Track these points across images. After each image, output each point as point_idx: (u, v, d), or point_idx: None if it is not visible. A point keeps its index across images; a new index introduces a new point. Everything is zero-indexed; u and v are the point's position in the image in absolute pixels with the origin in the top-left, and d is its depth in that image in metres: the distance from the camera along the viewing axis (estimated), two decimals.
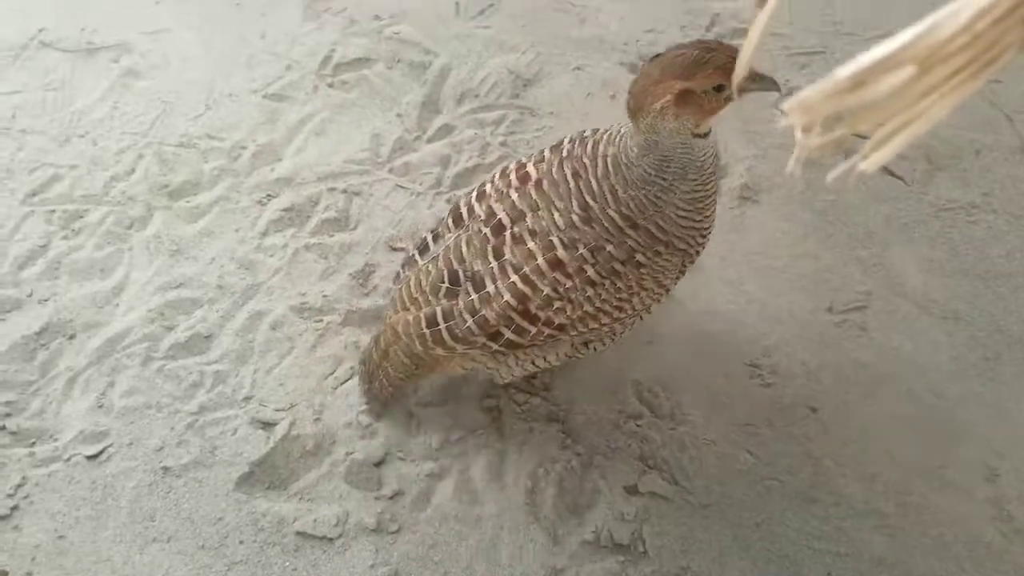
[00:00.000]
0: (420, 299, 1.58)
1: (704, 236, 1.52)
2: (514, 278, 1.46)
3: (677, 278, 1.56)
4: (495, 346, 1.53)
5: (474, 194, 1.58)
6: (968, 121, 2.51)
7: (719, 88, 1.31)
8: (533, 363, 1.65)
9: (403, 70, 2.45)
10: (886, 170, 2.42)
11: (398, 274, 1.73)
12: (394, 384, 1.74)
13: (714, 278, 2.12)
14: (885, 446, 1.86)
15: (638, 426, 1.86)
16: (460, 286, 1.52)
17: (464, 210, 1.57)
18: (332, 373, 1.88)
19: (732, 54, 1.29)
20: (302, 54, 2.44)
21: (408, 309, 1.60)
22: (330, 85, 2.39)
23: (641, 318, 1.63)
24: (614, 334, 1.65)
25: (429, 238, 1.64)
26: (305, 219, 2.12)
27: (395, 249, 2.07)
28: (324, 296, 1.99)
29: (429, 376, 1.78)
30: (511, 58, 2.51)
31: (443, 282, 1.53)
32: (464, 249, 1.52)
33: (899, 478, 1.81)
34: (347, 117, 2.32)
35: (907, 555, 1.72)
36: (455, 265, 1.52)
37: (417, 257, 1.64)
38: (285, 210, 2.12)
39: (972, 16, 0.75)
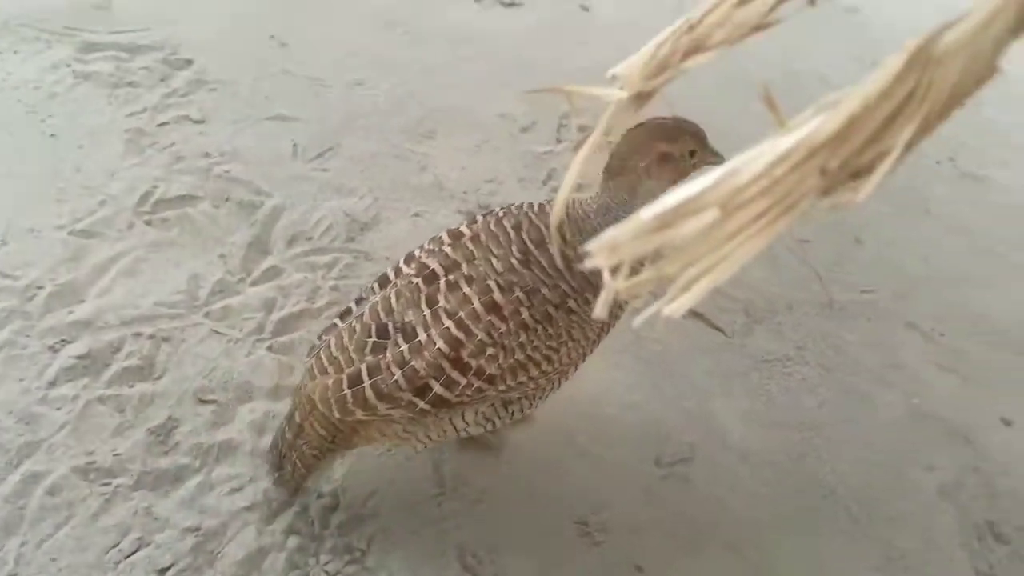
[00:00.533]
0: (342, 358, 1.56)
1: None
2: (448, 324, 1.49)
3: (597, 339, 1.65)
4: (421, 403, 1.52)
5: (401, 260, 1.64)
6: (781, 277, 2.76)
7: (692, 153, 1.52)
8: (454, 426, 1.63)
9: (231, 209, 2.41)
10: (706, 321, 2.60)
11: (313, 346, 1.68)
12: (307, 465, 1.66)
13: (547, 429, 2.13)
14: None
15: None
16: (389, 338, 1.53)
17: (391, 272, 1.62)
18: (116, 545, 1.69)
19: (700, 129, 1.54)
20: (120, 189, 2.35)
21: (327, 372, 1.57)
22: (148, 223, 2.29)
23: (562, 380, 1.69)
24: (537, 393, 1.67)
25: (352, 304, 1.66)
26: (102, 367, 1.96)
27: (204, 402, 1.95)
28: (115, 455, 1.81)
29: (344, 452, 1.70)
30: (348, 202, 2.54)
31: (370, 336, 1.54)
32: (393, 301, 1.56)
33: None
34: (163, 256, 2.23)
35: None
36: (383, 318, 1.55)
37: (338, 322, 1.64)
38: (80, 357, 1.96)
39: (770, 162, 0.81)
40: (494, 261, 1.53)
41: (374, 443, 1.72)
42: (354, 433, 1.63)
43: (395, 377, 1.50)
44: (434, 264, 1.57)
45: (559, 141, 3.03)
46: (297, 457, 1.67)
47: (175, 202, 2.37)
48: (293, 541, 1.75)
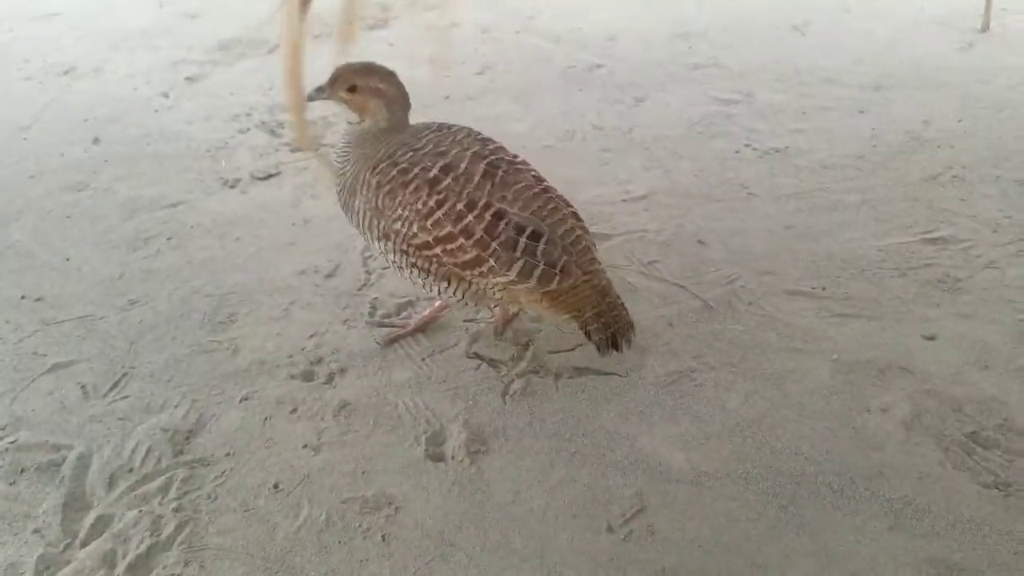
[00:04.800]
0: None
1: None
2: None
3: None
4: None
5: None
6: (647, 303, 2.96)
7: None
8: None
9: (30, 479, 2.30)
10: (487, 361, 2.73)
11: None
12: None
13: (477, 550, 2.10)
14: None
15: None
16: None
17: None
18: None
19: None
20: None
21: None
22: None
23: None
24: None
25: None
26: None
27: None
28: None
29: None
30: (162, 417, 2.50)
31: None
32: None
33: None
34: None
35: None
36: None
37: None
38: None
39: None
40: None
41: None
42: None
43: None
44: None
45: (368, 273, 3.17)
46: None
47: None
48: None
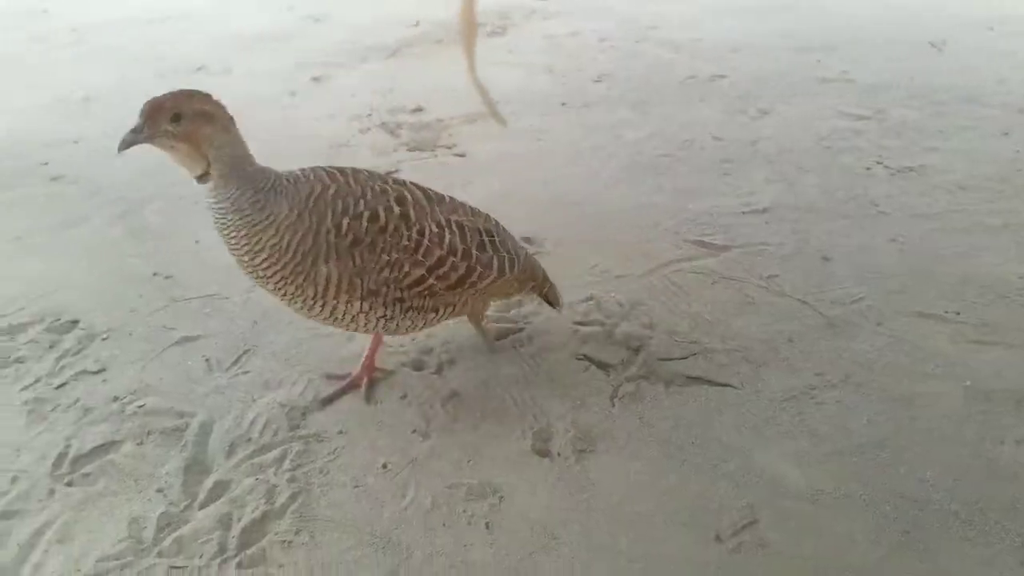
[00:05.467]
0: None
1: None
2: None
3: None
4: None
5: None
6: (765, 316, 2.94)
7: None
8: None
9: (156, 441, 2.47)
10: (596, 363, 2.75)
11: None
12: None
13: (581, 548, 2.14)
14: None
15: None
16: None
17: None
18: None
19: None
20: (30, 461, 2.39)
21: None
22: (69, 483, 2.33)
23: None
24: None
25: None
26: None
27: None
28: None
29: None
30: (280, 393, 2.64)
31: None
32: None
33: None
34: (95, 511, 2.24)
35: None
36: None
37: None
38: None
39: None
40: None
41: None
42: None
43: None
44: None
45: None
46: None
47: (93, 454, 2.42)
48: None
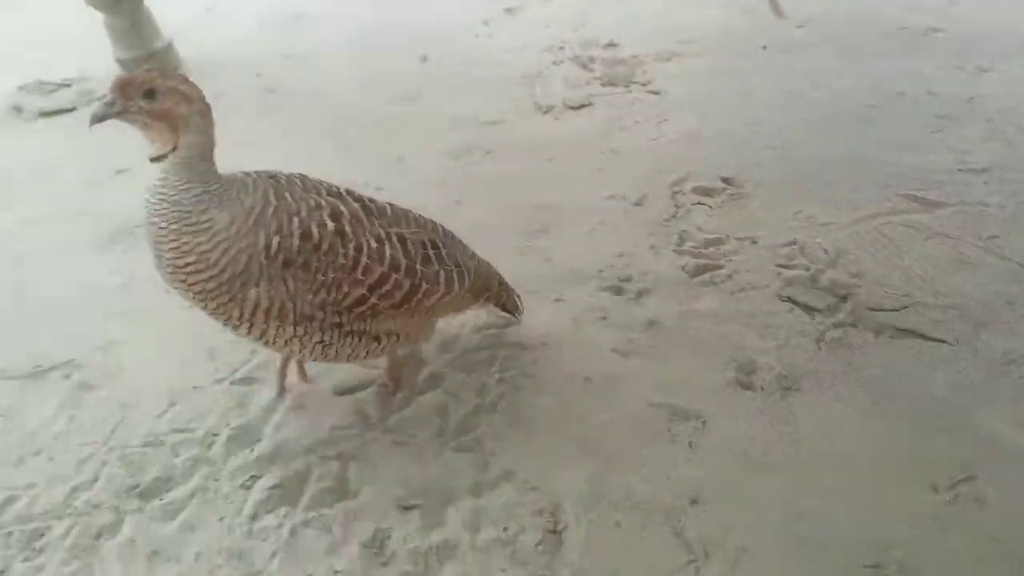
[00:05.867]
0: None
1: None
2: None
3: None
4: None
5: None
6: (982, 277, 2.88)
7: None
8: None
9: None
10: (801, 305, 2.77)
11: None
12: None
13: (789, 479, 2.22)
14: None
15: None
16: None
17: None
18: None
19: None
20: None
21: None
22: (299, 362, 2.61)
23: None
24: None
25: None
26: (297, 494, 2.17)
27: (407, 509, 2.14)
28: (335, 572, 1.98)
29: None
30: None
31: None
32: None
33: None
34: (326, 385, 2.51)
35: None
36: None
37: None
38: (273, 488, 2.18)
39: None
40: None
41: None
42: None
43: None
44: None
45: (677, 207, 3.32)
46: None
47: None
48: None
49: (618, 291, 2.91)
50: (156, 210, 1.91)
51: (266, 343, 2.10)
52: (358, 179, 3.55)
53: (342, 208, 2.08)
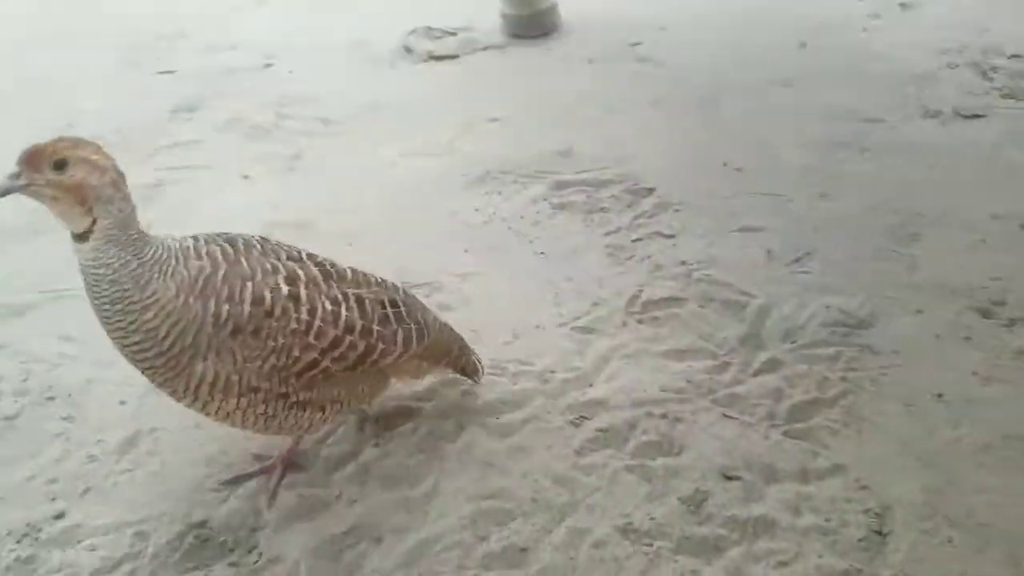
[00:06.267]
0: None
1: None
2: None
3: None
4: None
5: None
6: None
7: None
8: None
9: (717, 309, 2.73)
10: None
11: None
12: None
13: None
14: None
15: None
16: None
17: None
18: None
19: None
20: (609, 293, 2.82)
21: None
22: (639, 321, 2.70)
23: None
24: None
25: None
26: (623, 441, 2.27)
27: (729, 478, 2.14)
28: (651, 519, 2.04)
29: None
30: (837, 300, 2.72)
31: None
32: None
33: None
34: (660, 348, 2.58)
35: None
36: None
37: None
38: (601, 431, 2.30)
39: None
40: None
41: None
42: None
43: None
44: None
45: None
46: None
47: (661, 303, 2.77)
48: None
49: (988, 314, 2.68)
50: (95, 293, 1.85)
51: (207, 415, 2.06)
52: (719, 157, 3.60)
53: (299, 272, 2.04)
